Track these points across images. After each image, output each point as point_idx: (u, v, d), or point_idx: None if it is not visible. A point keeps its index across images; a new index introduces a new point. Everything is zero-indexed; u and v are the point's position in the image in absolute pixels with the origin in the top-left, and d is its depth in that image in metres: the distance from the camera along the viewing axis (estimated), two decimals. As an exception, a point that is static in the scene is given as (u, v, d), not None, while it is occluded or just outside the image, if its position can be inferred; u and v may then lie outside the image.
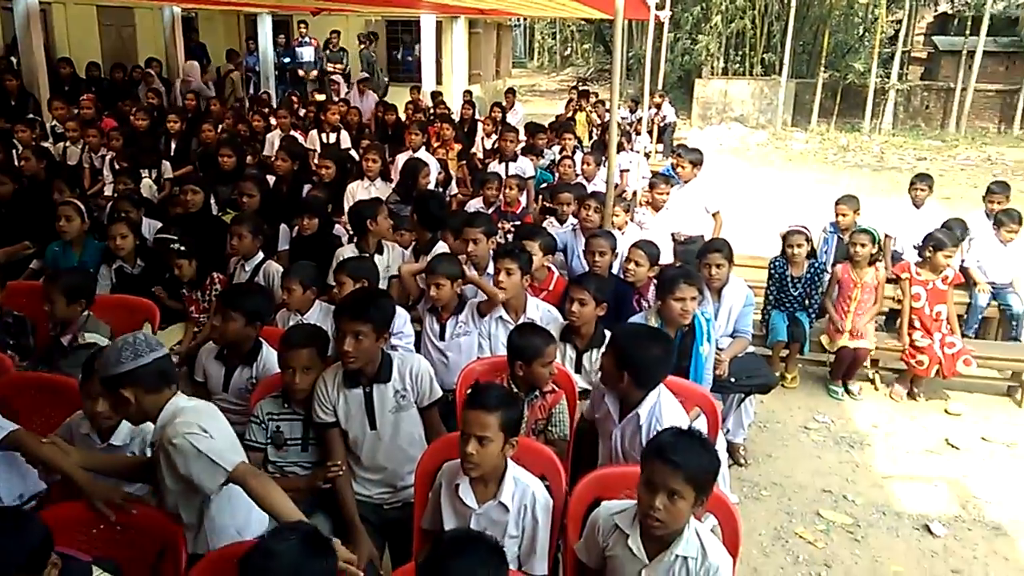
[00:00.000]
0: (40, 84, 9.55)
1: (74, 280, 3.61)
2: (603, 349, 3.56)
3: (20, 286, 4.03)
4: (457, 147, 8.65)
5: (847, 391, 5.29)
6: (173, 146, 7.80)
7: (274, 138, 8.13)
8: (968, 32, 19.65)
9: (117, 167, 6.56)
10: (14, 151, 6.88)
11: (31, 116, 8.45)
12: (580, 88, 14.51)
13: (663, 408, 2.74)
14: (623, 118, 12.39)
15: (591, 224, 4.94)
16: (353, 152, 8.06)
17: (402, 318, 3.82)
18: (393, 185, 6.27)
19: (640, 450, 2.65)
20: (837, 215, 5.94)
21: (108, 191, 6.60)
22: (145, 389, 2.29)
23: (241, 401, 3.20)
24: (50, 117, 8.67)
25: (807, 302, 5.18)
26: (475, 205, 6.16)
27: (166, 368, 2.36)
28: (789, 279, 5.18)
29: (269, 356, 3.23)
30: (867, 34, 21.42)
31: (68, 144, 7.51)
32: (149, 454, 2.59)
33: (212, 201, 5.71)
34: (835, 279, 5.28)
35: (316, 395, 2.86)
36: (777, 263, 5.25)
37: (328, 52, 14.10)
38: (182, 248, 4.27)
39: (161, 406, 2.32)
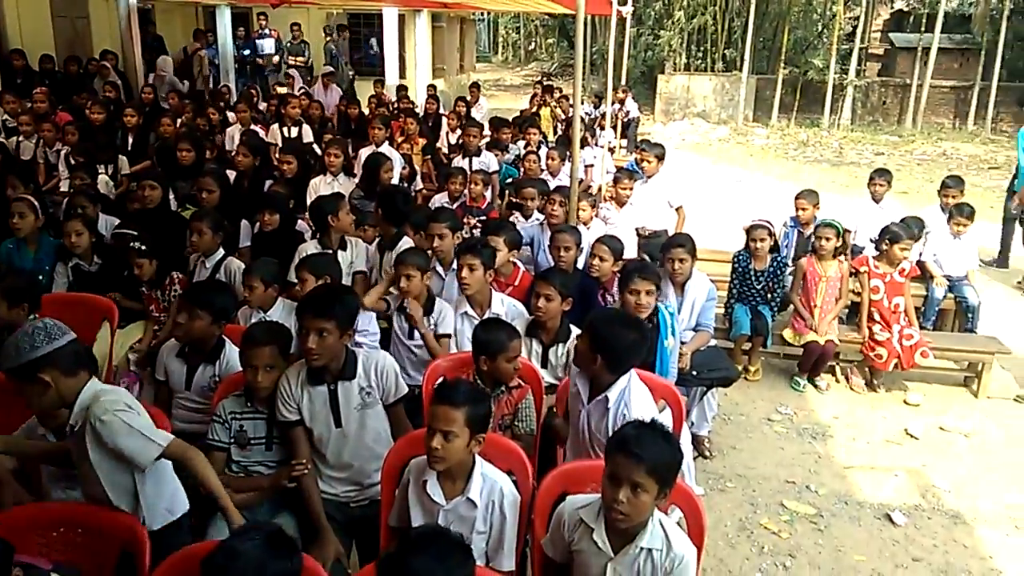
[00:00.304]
0: (-10, 77, 9.27)
1: (15, 282, 3.47)
2: (570, 342, 3.62)
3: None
4: (421, 142, 8.59)
5: (814, 386, 5.39)
6: (130, 140, 7.62)
7: (234, 132, 7.99)
8: (923, 29, 20.12)
9: (73, 162, 6.39)
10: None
11: (-20, 110, 8.19)
12: (544, 83, 14.51)
13: (632, 394, 2.75)
14: (587, 113, 12.45)
15: (557, 219, 4.96)
16: (316, 147, 7.97)
17: (367, 316, 3.79)
18: (356, 180, 6.21)
19: (606, 433, 2.70)
20: (797, 209, 6.04)
21: (64, 187, 6.42)
22: (63, 372, 2.26)
23: (203, 399, 3.15)
24: (1, 111, 8.42)
25: (770, 296, 5.26)
26: (440, 200, 6.14)
27: (80, 351, 2.35)
28: (752, 273, 5.25)
29: (232, 354, 3.19)
30: (825, 30, 21.77)
31: (21, 139, 7.30)
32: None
33: (171, 197, 5.59)
34: (800, 272, 5.37)
35: (279, 393, 2.82)
36: (740, 257, 5.32)
37: (289, 44, 13.91)
38: (142, 247, 4.17)
39: (79, 390, 2.30)
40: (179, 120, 8.33)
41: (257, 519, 2.56)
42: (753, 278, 5.25)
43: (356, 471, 2.87)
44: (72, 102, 9.10)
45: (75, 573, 2.14)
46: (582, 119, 7.92)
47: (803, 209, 6.00)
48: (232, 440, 2.86)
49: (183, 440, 2.45)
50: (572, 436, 3.02)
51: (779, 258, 5.32)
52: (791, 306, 5.49)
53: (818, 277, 5.29)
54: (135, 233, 4.43)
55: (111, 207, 5.64)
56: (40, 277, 4.31)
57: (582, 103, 8.14)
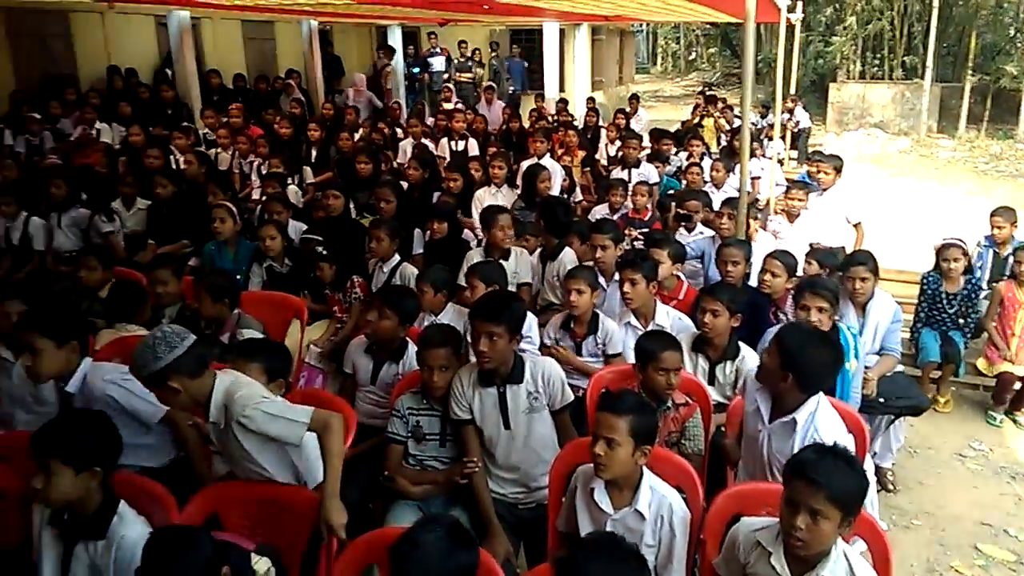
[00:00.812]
0: (192, 94, 10.33)
1: (218, 281, 3.80)
2: (739, 360, 3.49)
3: (188, 282, 4.34)
4: (581, 154, 8.65)
5: (1013, 421, 4.89)
6: (313, 153, 8.21)
7: (406, 146, 8.42)
8: None
9: (266, 172, 6.96)
10: (171, 156, 7.46)
11: (185, 124, 9.13)
12: (707, 93, 14.18)
13: (822, 417, 2.59)
14: (753, 123, 12.01)
15: (727, 232, 4.82)
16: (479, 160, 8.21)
17: (531, 323, 3.86)
18: (519, 192, 6.35)
19: (789, 457, 2.57)
20: (993, 228, 5.50)
21: (255, 195, 7.03)
22: (188, 375, 2.38)
23: (386, 394, 3.35)
24: (202, 125, 9.36)
25: (962, 321, 4.83)
26: (600, 212, 6.14)
27: (201, 352, 2.46)
28: (943, 296, 4.84)
29: (414, 354, 3.34)
30: (1019, 35, 19.76)
31: (219, 151, 8.07)
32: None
33: (351, 205, 5.97)
34: (997, 297, 4.90)
35: (452, 392, 2.94)
36: (930, 278, 4.92)
37: (458, 61, 14.47)
38: (324, 252, 4.48)
39: (208, 387, 2.43)
40: (356, 134, 8.87)
41: (432, 512, 2.67)
42: (944, 301, 4.84)
43: (524, 474, 2.92)
44: (262, 117, 9.94)
45: (275, 554, 2.28)
46: (748, 129, 7.66)
47: (999, 228, 5.46)
48: (409, 434, 3.00)
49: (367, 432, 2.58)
50: (746, 456, 2.90)
51: (974, 280, 4.87)
52: (984, 333, 5.01)
53: (1017, 304, 4.80)
54: (320, 238, 4.77)
55: (298, 214, 6.10)
56: (238, 276, 4.72)
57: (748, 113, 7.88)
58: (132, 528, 2.22)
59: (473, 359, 2.93)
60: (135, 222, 5.88)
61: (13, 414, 3.26)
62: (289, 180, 6.94)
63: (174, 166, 7.19)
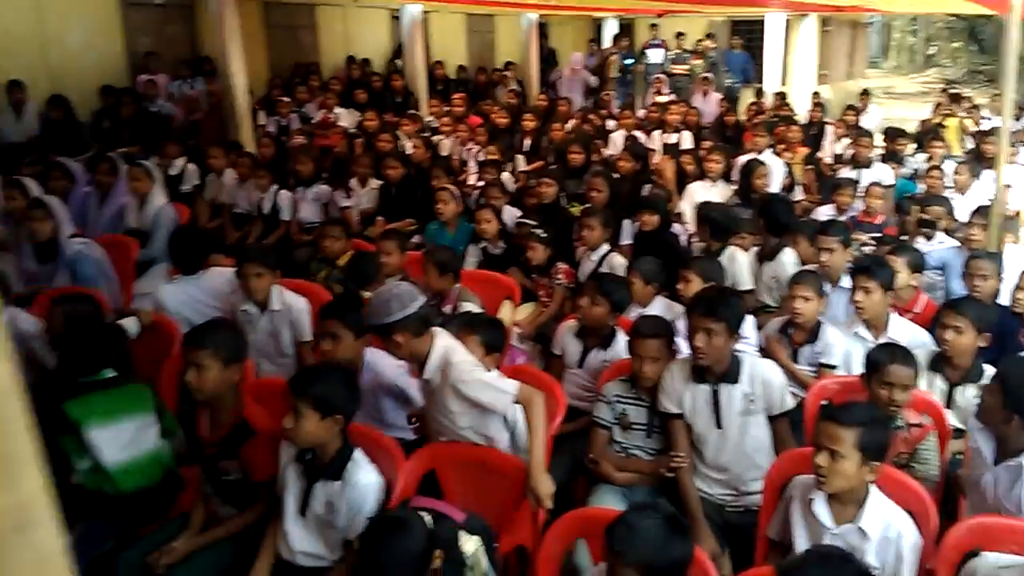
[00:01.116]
0: (419, 83, 11.01)
1: (444, 256, 4.05)
2: (983, 383, 3.15)
3: (414, 256, 4.66)
4: (803, 151, 8.17)
5: None
6: (527, 143, 8.45)
7: (617, 137, 8.43)
8: None
9: (484, 159, 7.28)
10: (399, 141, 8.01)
11: (412, 112, 9.76)
12: (950, 91, 12.82)
13: None
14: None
15: (978, 243, 4.35)
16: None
17: (748, 322, 3.72)
18: (735, 187, 6.13)
19: (1017, 504, 2.31)
20: None
21: (471, 180, 7.37)
22: (412, 334, 2.59)
23: (593, 379, 3.40)
24: (427, 112, 9.95)
25: None
26: (825, 213, 5.77)
27: (427, 315, 2.67)
28: None
29: (621, 343, 3.37)
30: None
31: (442, 137, 8.55)
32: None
33: (561, 193, 6.08)
34: None
35: (662, 385, 2.91)
36: None
37: (675, 54, 14.21)
38: (542, 234, 4.60)
39: (426, 348, 2.63)
40: (568, 124, 9.00)
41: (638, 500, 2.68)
42: None
43: (734, 476, 2.84)
44: (479, 107, 10.39)
45: (485, 529, 2.32)
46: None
47: None
48: (616, 421, 3.02)
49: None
50: (972, 496, 2.64)
51: None
52: None
53: None
54: (535, 223, 4.91)
55: (511, 201, 6.32)
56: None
57: (999, 115, 7.03)
58: (365, 474, 2.43)
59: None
60: (368, 200, 6.39)
61: (259, 364, 3.68)
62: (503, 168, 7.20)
63: (402, 151, 7.72)
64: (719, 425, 2.81)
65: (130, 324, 3.45)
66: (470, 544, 2.19)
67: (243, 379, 2.76)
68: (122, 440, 2.73)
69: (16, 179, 4.98)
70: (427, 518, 2.10)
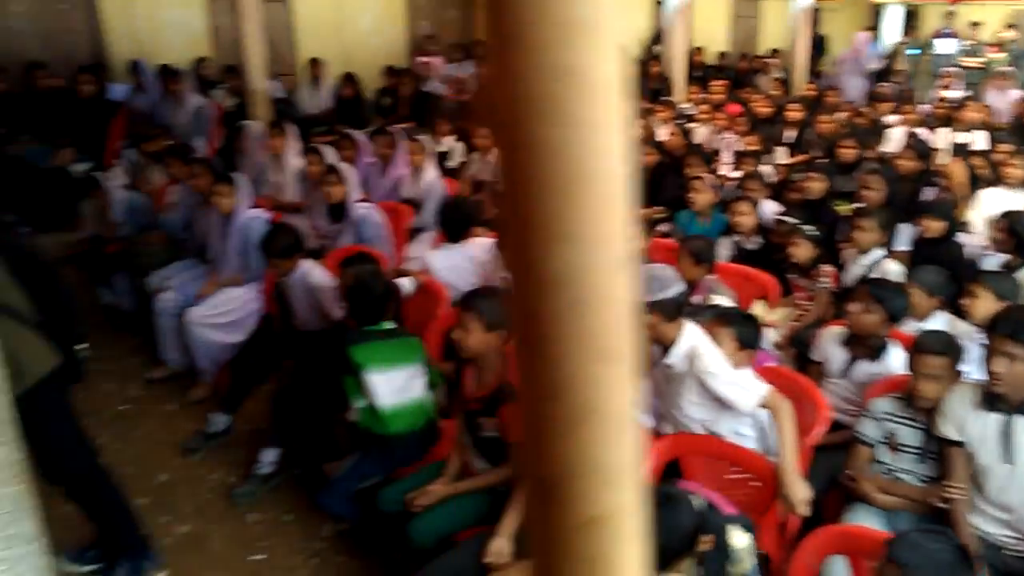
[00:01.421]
0: (676, 69, 10.78)
1: (699, 245, 3.98)
2: None
3: (661, 244, 4.63)
4: None
5: None
6: (790, 134, 7.97)
7: (895, 133, 7.67)
8: None
9: (741, 149, 7.00)
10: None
11: (665, 98, 9.60)
12: None
13: None
14: None
15: None
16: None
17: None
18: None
19: None
20: None
21: (723, 170, 7.11)
22: (664, 317, 2.68)
23: (857, 392, 3.16)
24: (684, 99, 9.74)
25: None
26: None
27: (681, 302, 2.76)
28: None
29: (893, 355, 3.09)
30: None
31: (696, 125, 8.33)
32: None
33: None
34: None
35: (943, 408, 2.64)
36: None
37: (969, 45, 12.62)
38: (813, 231, 4.31)
39: (675, 333, 2.70)
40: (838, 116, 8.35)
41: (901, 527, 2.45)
42: None
43: (1019, 517, 2.50)
44: (739, 95, 9.97)
45: (749, 527, 2.22)
46: None
47: None
48: (883, 440, 2.78)
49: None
50: None
51: None
52: None
53: None
54: (798, 220, 4.62)
55: (770, 195, 6.01)
56: (708, 247, 4.86)
57: None
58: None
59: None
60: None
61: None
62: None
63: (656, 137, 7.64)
64: (1009, 460, 2.48)
65: (407, 283, 3.79)
66: (741, 540, 2.14)
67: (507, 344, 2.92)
68: (395, 385, 3.02)
69: (315, 147, 5.66)
70: (699, 502, 2.08)
